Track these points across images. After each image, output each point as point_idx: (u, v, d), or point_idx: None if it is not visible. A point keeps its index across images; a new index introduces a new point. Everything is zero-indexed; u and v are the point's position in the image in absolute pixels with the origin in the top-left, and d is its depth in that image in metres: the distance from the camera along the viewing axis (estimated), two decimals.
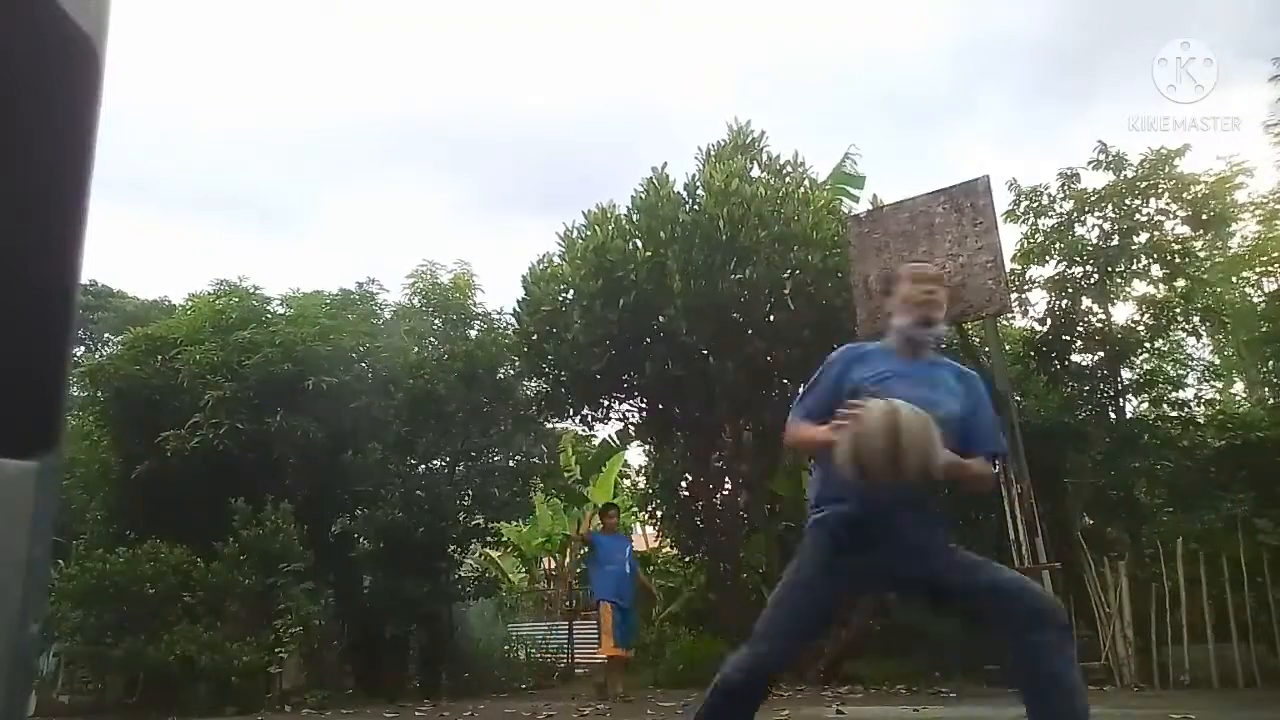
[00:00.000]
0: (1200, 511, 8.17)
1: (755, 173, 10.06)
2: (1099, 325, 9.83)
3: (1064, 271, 9.78)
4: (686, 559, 12.08)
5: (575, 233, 10.22)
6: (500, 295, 20.42)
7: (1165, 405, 9.86)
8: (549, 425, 12.02)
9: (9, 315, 0.66)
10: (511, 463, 11.86)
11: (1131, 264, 9.50)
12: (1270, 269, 10.52)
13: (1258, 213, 10.09)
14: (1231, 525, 7.78)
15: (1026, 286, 10.14)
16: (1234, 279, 10.58)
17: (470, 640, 12.28)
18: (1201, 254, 9.80)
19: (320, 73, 62.04)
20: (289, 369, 9.94)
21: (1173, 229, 9.57)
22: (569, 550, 15.43)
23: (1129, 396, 9.94)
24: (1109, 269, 9.50)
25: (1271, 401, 10.41)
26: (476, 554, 13.92)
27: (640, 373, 10.00)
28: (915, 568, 2.47)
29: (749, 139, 10.38)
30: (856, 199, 11.31)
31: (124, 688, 9.74)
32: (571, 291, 10.01)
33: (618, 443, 12.25)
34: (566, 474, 13.02)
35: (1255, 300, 10.78)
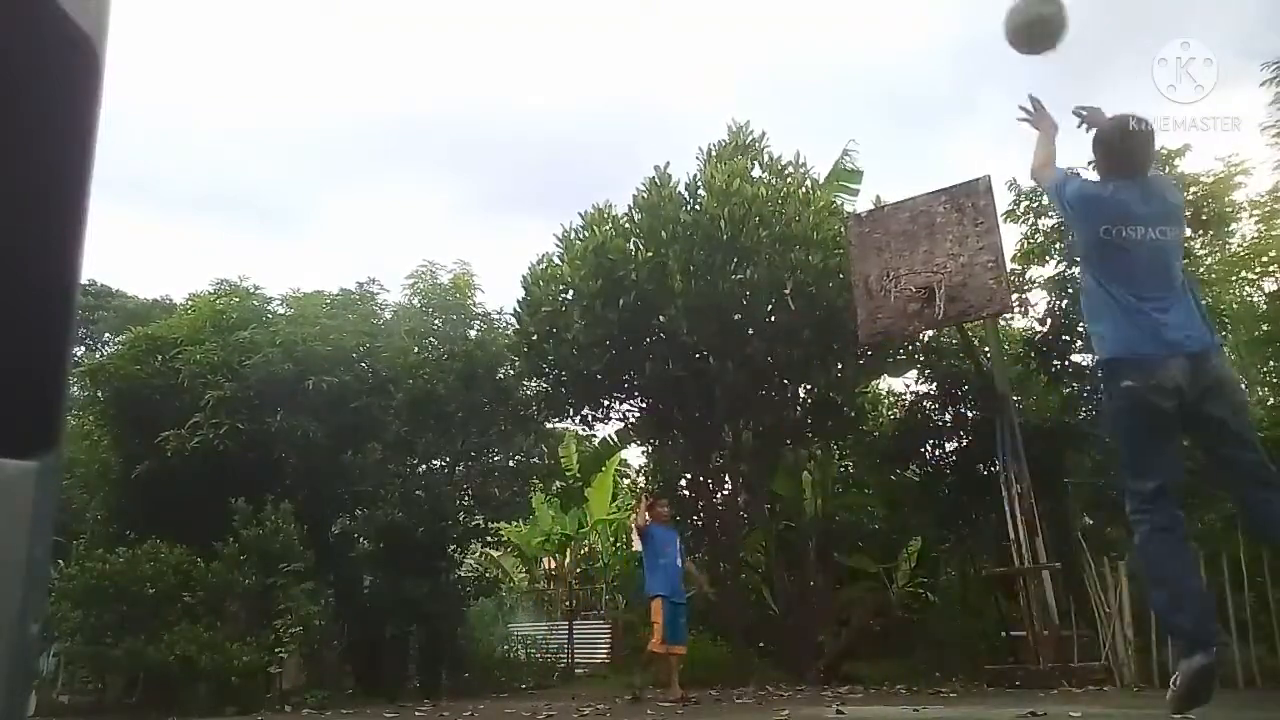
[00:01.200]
0: (1200, 511, 8.15)
1: (756, 173, 10.04)
2: None
3: (1064, 271, 9.77)
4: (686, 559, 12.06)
5: (573, 234, 10.21)
6: (500, 295, 20.36)
7: None
8: (549, 425, 12.02)
9: (9, 315, 0.65)
10: (511, 463, 11.87)
11: None
12: (1270, 269, 10.50)
13: (1257, 213, 10.09)
14: (1231, 525, 7.75)
15: (1027, 286, 10.14)
16: (1234, 279, 10.57)
17: (470, 640, 12.28)
18: (1201, 254, 9.79)
19: (320, 73, 62.06)
20: (289, 369, 9.94)
21: None
22: (569, 550, 15.43)
23: None
24: None
25: (1271, 401, 10.40)
26: (476, 554, 13.92)
27: (640, 373, 9.99)
28: None
29: (749, 139, 10.36)
30: (855, 193, 11.30)
31: (124, 688, 9.75)
32: (571, 292, 10.00)
33: (616, 442, 12.23)
34: (566, 473, 13.03)
35: (1255, 300, 10.76)
